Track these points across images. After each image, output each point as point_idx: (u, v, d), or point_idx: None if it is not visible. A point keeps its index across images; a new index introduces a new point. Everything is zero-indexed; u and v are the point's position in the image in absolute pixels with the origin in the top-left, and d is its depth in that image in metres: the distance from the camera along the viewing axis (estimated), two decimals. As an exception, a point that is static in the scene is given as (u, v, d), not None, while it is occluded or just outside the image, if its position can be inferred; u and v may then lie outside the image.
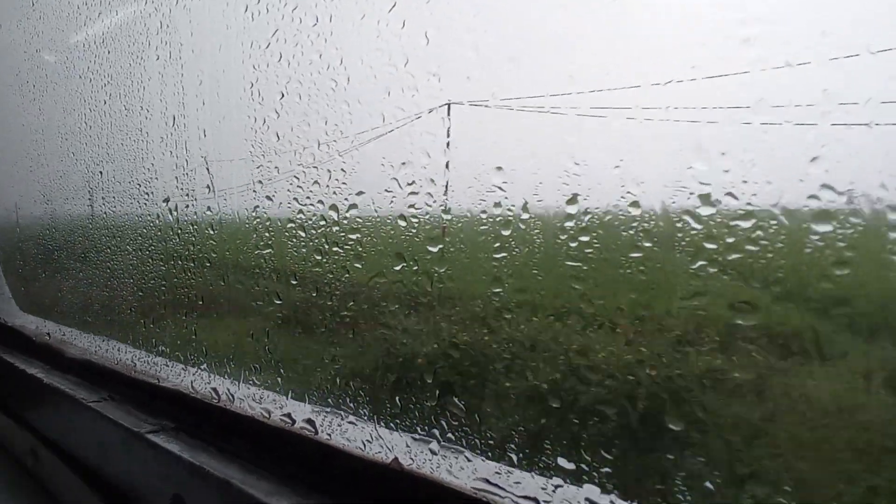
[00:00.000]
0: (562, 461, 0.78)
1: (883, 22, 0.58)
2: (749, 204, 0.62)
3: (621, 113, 0.71)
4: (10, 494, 1.53)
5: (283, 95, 0.98)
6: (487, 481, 0.82)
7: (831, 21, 0.59)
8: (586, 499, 0.74)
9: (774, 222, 0.61)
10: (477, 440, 0.86)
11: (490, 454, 0.86)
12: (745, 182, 0.62)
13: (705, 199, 0.64)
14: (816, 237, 0.58)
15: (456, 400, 0.88)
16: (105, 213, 1.56)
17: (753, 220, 0.62)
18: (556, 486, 0.78)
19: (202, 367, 1.27)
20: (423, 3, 0.81)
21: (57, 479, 1.47)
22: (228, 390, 1.19)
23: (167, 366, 1.38)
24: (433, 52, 0.83)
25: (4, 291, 2.28)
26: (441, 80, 0.82)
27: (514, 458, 0.83)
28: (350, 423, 1.01)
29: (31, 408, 1.75)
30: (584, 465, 0.76)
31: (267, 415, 1.09)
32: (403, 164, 0.85)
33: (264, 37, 0.98)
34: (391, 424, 0.96)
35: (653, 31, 0.71)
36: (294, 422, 1.05)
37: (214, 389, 1.22)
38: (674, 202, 0.68)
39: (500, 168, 0.79)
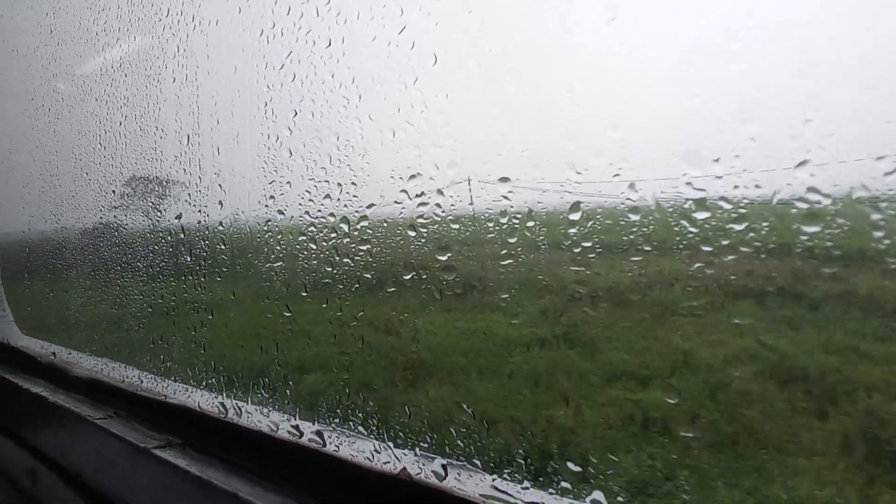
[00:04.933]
0: (569, 464, 0.79)
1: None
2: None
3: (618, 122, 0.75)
4: None
5: (296, 113, 1.02)
6: (496, 488, 0.83)
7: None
8: (593, 501, 0.75)
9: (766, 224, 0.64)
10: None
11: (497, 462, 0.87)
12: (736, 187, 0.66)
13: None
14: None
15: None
16: (118, 230, 1.59)
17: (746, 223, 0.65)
18: (564, 491, 0.78)
19: (210, 381, 1.28)
20: (431, 25, 0.86)
21: (56, 500, 1.46)
22: (236, 405, 1.20)
23: (174, 382, 1.39)
24: (440, 71, 0.87)
25: (7, 314, 2.28)
26: (448, 97, 0.86)
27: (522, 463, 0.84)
28: (358, 435, 1.02)
29: (32, 427, 1.74)
30: (591, 469, 0.77)
31: (275, 428, 1.09)
32: (413, 176, 0.88)
33: (279, 58, 1.03)
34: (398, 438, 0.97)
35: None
36: (302, 434, 1.05)
37: (222, 404, 1.22)
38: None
39: (506, 179, 0.82)
